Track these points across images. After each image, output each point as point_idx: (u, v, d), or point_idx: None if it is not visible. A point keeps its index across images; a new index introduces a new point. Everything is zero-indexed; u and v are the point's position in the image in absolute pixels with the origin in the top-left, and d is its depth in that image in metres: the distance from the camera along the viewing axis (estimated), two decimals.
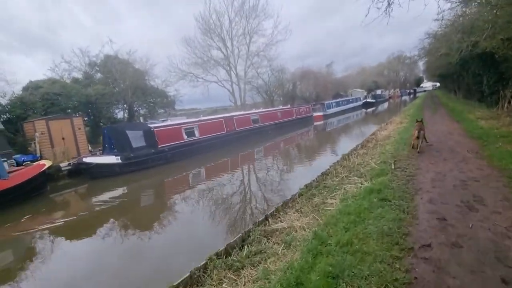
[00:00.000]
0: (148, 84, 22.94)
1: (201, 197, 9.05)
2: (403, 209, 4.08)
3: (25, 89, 16.89)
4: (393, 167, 6.60)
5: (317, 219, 4.29)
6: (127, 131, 12.62)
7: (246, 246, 3.73)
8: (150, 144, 13.24)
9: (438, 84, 77.45)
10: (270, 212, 4.68)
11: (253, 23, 30.21)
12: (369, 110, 45.90)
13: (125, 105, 21.45)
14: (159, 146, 13.55)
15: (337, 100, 39.57)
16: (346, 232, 3.57)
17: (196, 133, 15.81)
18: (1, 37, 36.48)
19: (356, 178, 6.24)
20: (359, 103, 47.44)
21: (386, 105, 55.10)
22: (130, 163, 12.30)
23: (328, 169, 7.46)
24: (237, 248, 3.72)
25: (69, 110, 17.95)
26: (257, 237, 3.92)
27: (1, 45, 32.75)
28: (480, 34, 11.43)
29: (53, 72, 20.64)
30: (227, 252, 3.63)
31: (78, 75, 21.66)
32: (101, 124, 21.27)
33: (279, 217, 4.57)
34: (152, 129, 13.46)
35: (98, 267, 5.30)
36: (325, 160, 11.17)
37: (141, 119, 17.12)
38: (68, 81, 20.60)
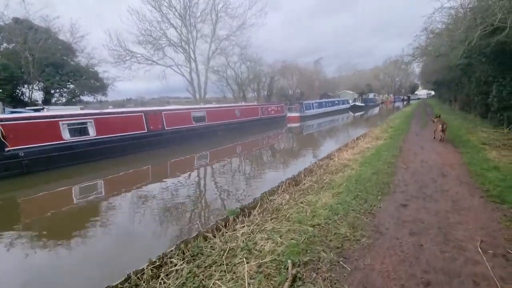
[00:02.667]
0: (69, 61, 17.89)
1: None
2: None
3: None
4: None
5: None
6: None
7: None
8: None
9: (432, 92, 74.36)
10: None
11: None
12: (357, 114, 41.87)
13: (34, 85, 16.57)
14: (7, 149, 8.90)
15: (320, 100, 35.25)
16: None
17: (91, 131, 11.16)
18: None
19: None
20: (346, 105, 43.26)
21: (377, 110, 51.09)
22: None
23: (152, 269, 3.02)
24: None
25: None
26: None
27: None
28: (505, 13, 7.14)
29: None
30: None
31: None
32: (11, 106, 16.62)
33: None
34: None
35: None
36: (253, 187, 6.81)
37: None
38: None
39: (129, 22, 22.52)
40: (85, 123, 11.05)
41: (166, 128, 14.10)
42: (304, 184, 6.01)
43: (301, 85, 39.77)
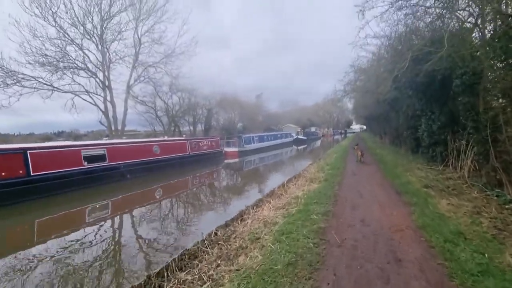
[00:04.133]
0: None
1: None
2: None
3: None
4: None
5: None
6: None
7: None
8: None
9: (365, 127, 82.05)
10: None
11: (147, 21, 22.53)
12: (300, 147, 41.91)
13: None
14: None
15: (261, 134, 33.98)
16: None
17: None
18: None
19: None
20: (289, 139, 43.26)
21: (318, 142, 52.77)
22: None
23: None
24: None
25: None
26: None
27: None
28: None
29: None
30: None
31: None
32: None
33: None
34: None
35: None
36: None
37: None
38: None
39: (17, 37, 17.72)
40: None
41: (32, 174, 9.93)
42: None
43: (243, 118, 38.52)
